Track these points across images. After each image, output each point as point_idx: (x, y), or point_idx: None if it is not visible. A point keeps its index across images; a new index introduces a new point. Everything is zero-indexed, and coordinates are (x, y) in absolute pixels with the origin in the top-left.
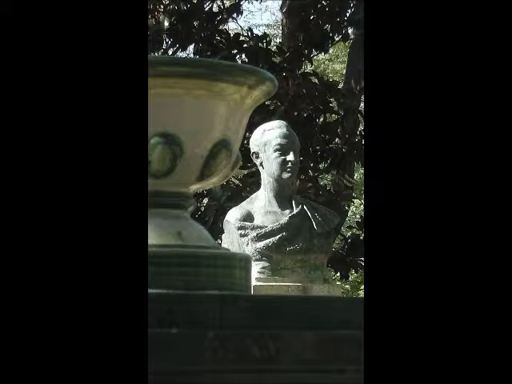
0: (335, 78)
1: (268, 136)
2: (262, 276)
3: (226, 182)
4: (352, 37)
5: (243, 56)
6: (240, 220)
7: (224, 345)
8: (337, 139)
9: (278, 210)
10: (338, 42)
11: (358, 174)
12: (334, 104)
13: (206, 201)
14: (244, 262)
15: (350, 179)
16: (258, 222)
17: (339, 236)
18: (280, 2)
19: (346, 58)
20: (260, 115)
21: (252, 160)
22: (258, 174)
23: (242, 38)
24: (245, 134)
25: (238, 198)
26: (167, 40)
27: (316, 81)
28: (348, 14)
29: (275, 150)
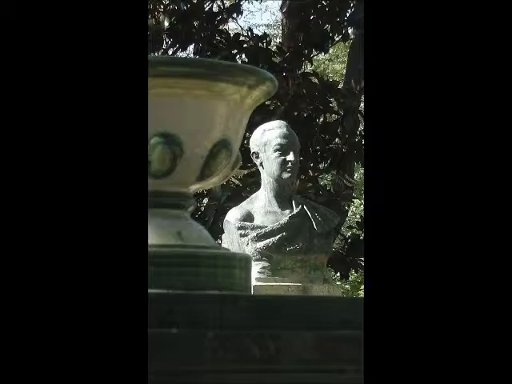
0: (335, 78)
1: (268, 136)
2: (262, 276)
3: (226, 182)
4: (352, 37)
5: (243, 56)
6: (240, 220)
7: (224, 345)
8: (337, 139)
9: (278, 210)
10: (338, 42)
11: (358, 174)
12: (334, 104)
13: (206, 201)
14: (244, 262)
15: (350, 179)
16: (257, 222)
17: (339, 236)
18: (280, 2)
19: (346, 58)
20: (260, 115)
21: (252, 160)
22: (258, 174)
23: (242, 38)
24: (245, 134)
25: (237, 197)
26: (167, 40)
27: (316, 81)
28: (348, 14)
29: (275, 150)
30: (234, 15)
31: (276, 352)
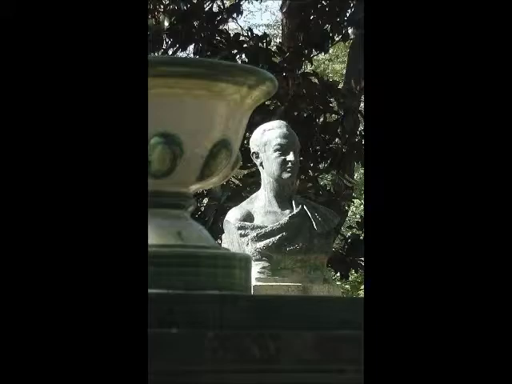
0: (335, 78)
1: (268, 136)
2: (262, 276)
3: (226, 182)
4: (352, 37)
5: (243, 56)
6: (240, 220)
7: (224, 345)
8: (337, 139)
9: (278, 210)
10: (338, 42)
11: (358, 174)
12: (334, 104)
13: (206, 201)
14: (244, 262)
15: (350, 179)
16: (257, 221)
17: (339, 236)
18: (280, 2)
19: (346, 58)
20: (260, 115)
21: (252, 160)
22: (258, 174)
23: (242, 38)
24: (245, 134)
25: (237, 197)
26: (167, 40)
27: (316, 81)
28: (348, 14)
29: (275, 150)
30: (234, 15)
31: (276, 352)
